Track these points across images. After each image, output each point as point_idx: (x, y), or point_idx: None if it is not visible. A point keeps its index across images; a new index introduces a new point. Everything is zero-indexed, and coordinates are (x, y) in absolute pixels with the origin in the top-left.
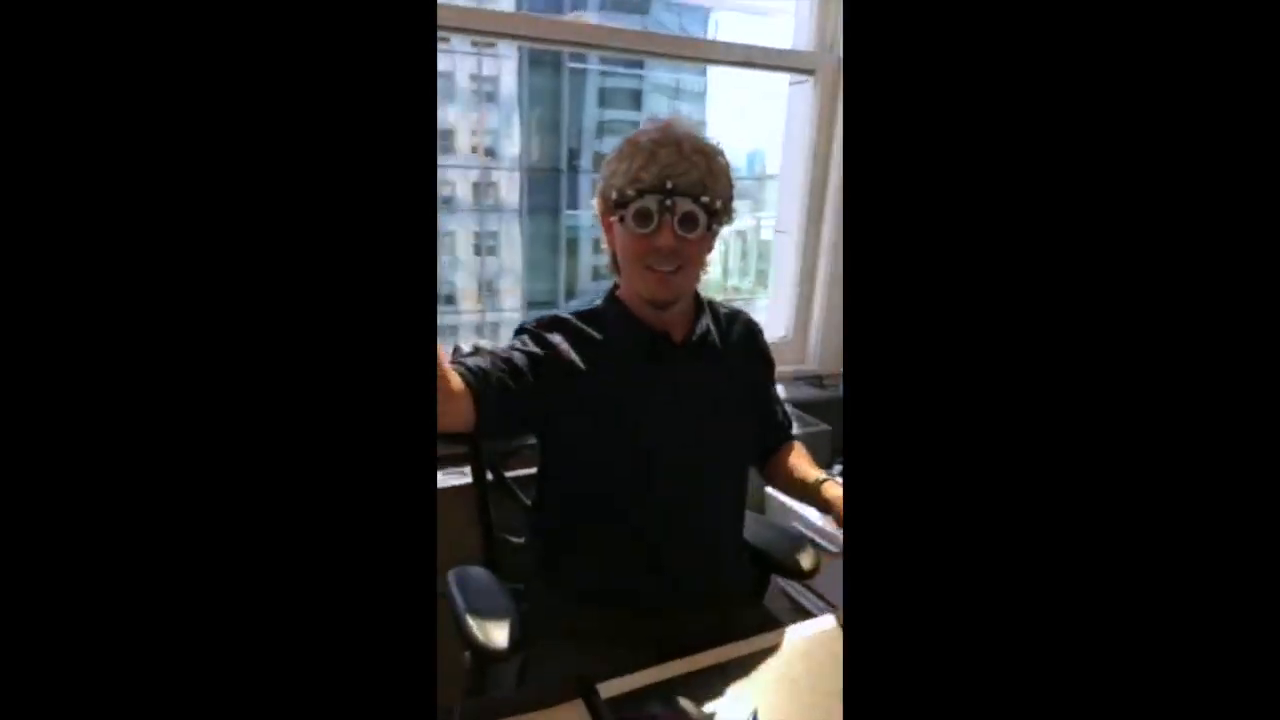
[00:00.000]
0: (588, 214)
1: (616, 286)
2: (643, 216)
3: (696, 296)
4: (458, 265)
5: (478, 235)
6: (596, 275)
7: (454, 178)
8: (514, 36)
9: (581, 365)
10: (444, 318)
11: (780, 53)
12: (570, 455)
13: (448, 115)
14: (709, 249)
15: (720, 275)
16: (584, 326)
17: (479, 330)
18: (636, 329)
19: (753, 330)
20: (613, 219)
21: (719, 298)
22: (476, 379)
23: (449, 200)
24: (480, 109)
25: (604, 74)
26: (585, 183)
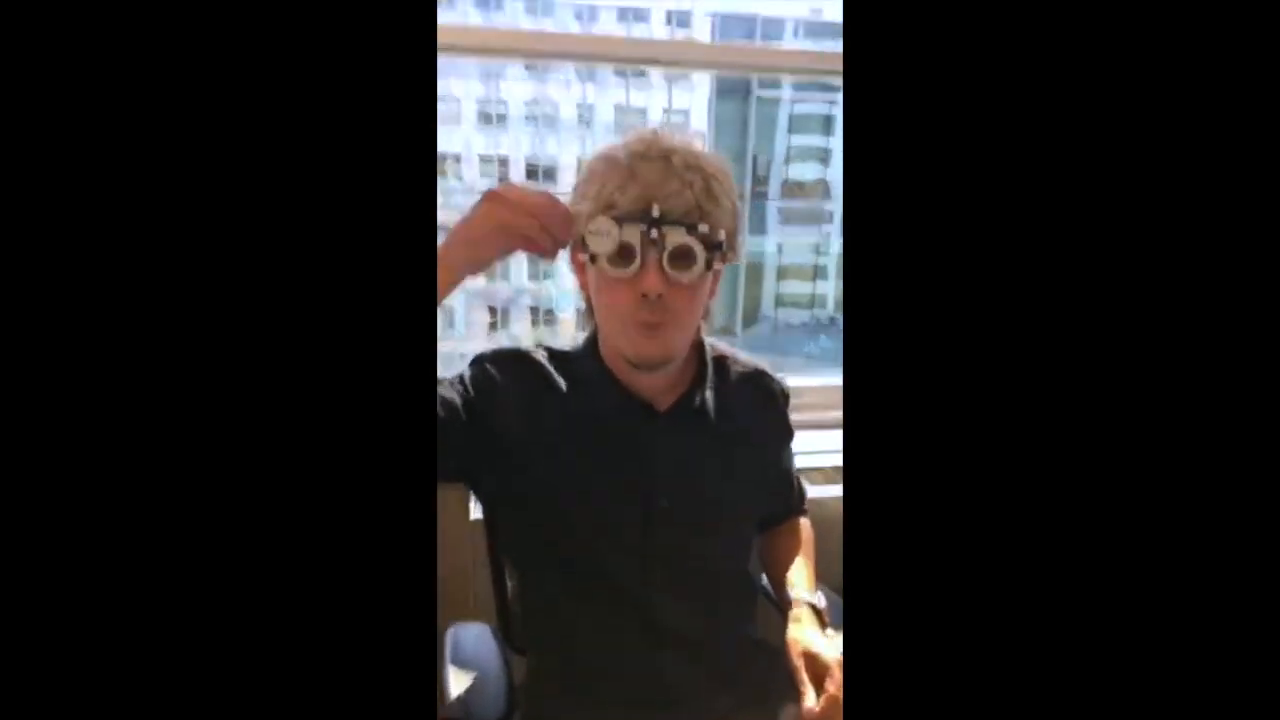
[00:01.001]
0: (772, 240)
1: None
2: (621, 253)
3: (701, 350)
4: None
5: None
6: (780, 302)
7: None
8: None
9: (531, 416)
10: None
11: None
12: (517, 522)
13: None
14: (711, 293)
15: None
16: (549, 369)
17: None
18: (608, 390)
19: (772, 395)
20: (583, 256)
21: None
22: None
23: None
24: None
25: (795, 100)
26: (771, 210)
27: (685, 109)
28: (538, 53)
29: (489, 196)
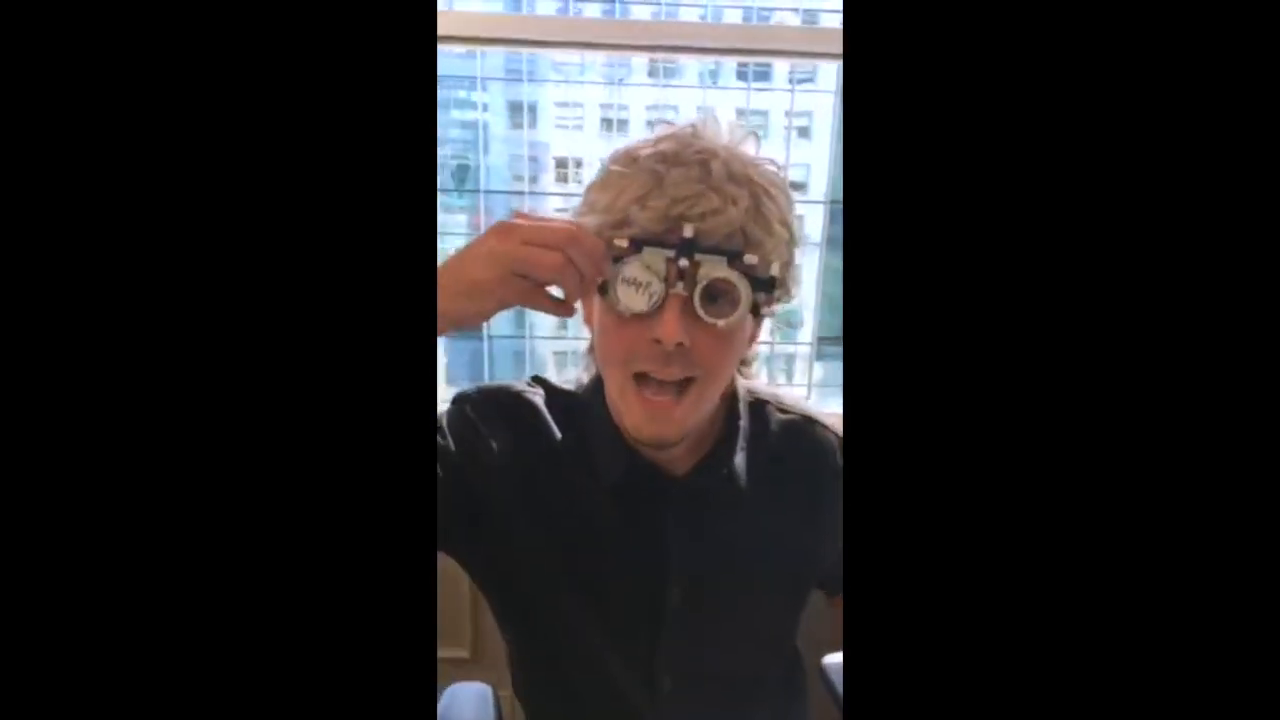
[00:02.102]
0: None
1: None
2: (638, 287)
3: (733, 400)
4: None
5: None
6: None
7: None
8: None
9: (519, 475)
10: None
11: None
12: (504, 605)
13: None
14: (751, 341)
15: None
16: (545, 415)
17: (768, 363)
18: (613, 447)
19: (823, 452)
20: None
21: None
22: None
23: None
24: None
25: None
26: None
27: (809, 110)
28: (525, 41)
29: (495, 230)
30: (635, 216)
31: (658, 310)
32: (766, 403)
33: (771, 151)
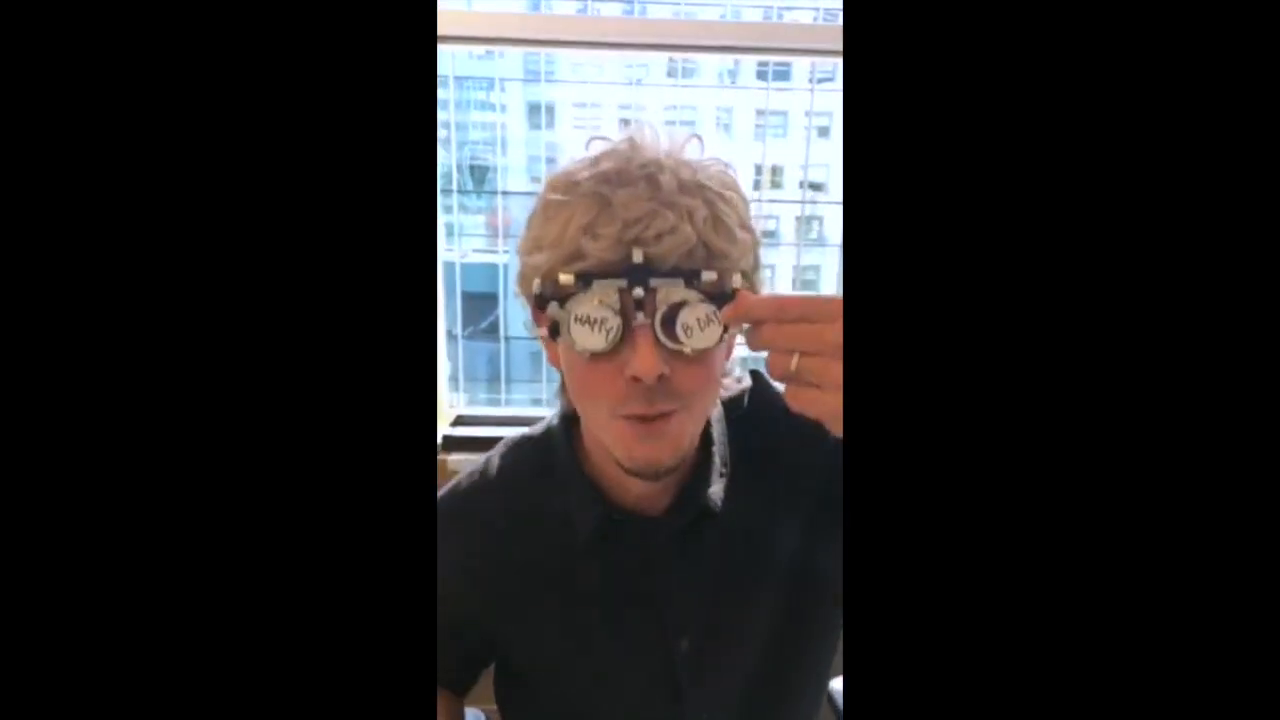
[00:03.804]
0: None
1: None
2: (593, 326)
3: (706, 425)
4: None
5: (795, 269)
6: None
7: (780, 212)
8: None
9: (480, 583)
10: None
11: None
12: (514, 682)
13: (778, 151)
14: (728, 354)
15: None
16: (492, 514)
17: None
18: (581, 495)
19: (814, 438)
20: (542, 331)
21: None
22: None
23: (772, 234)
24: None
25: None
26: None
27: (829, 110)
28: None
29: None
30: (587, 247)
31: (623, 345)
32: (740, 397)
33: (792, 151)
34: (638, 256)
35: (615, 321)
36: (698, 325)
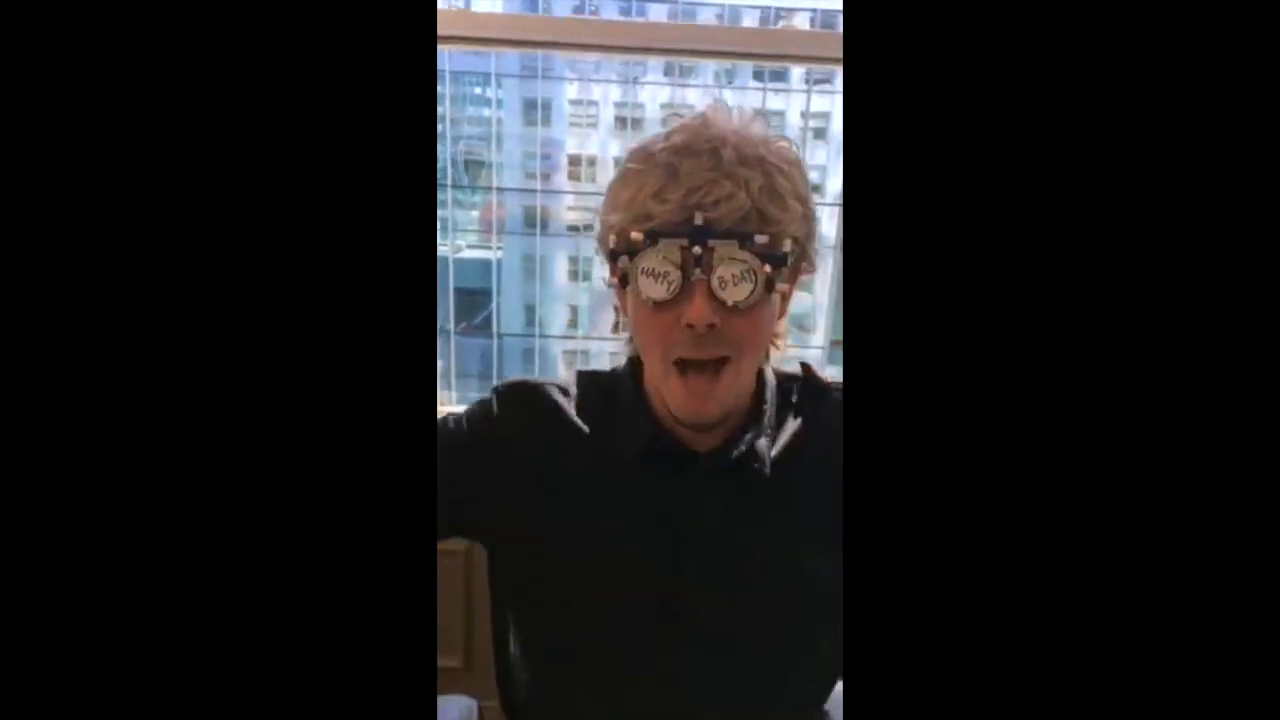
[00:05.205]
0: None
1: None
2: (657, 278)
3: (759, 384)
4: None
5: None
6: None
7: None
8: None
9: (540, 468)
10: None
11: None
12: (528, 584)
13: None
14: (781, 314)
15: None
16: (569, 413)
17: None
18: (637, 420)
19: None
20: (614, 280)
21: None
22: None
23: None
24: (809, 146)
25: None
26: None
27: (826, 112)
28: (532, 43)
29: None
30: (654, 210)
31: (682, 297)
32: (803, 378)
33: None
34: (698, 219)
35: (676, 275)
36: (732, 280)
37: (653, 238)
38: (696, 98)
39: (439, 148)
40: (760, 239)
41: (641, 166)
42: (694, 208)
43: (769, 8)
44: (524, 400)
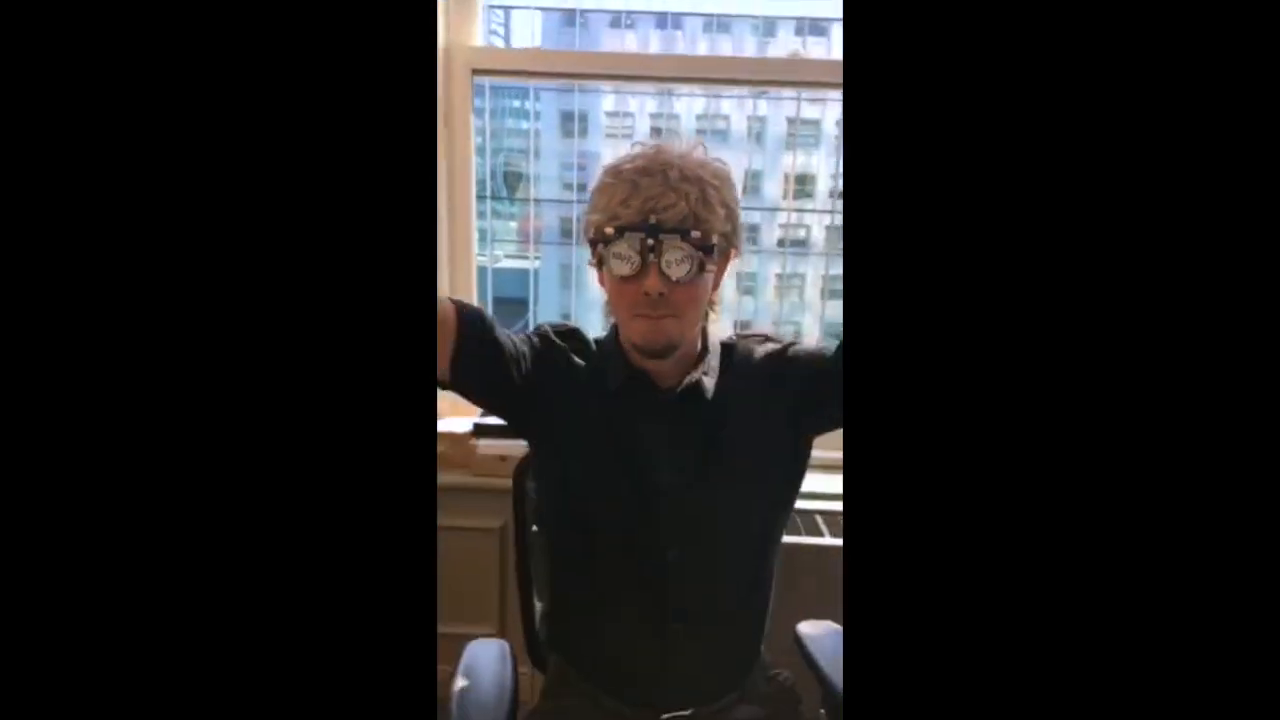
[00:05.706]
0: None
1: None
2: (623, 259)
3: (704, 340)
4: (805, 308)
5: (824, 278)
6: None
7: (810, 221)
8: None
9: (577, 382)
10: None
11: None
12: (564, 484)
13: (811, 161)
14: (712, 287)
15: None
16: (591, 345)
17: None
18: (617, 364)
19: (783, 371)
20: (594, 261)
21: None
22: (469, 324)
23: (803, 242)
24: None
25: None
26: None
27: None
28: (569, 74)
29: None
30: (621, 212)
31: (641, 273)
32: (740, 344)
33: (823, 160)
34: (653, 220)
35: (637, 258)
36: (676, 263)
37: (620, 232)
38: (731, 108)
39: (479, 160)
40: (695, 234)
41: (613, 181)
42: (649, 211)
43: (803, 19)
44: (574, 338)
